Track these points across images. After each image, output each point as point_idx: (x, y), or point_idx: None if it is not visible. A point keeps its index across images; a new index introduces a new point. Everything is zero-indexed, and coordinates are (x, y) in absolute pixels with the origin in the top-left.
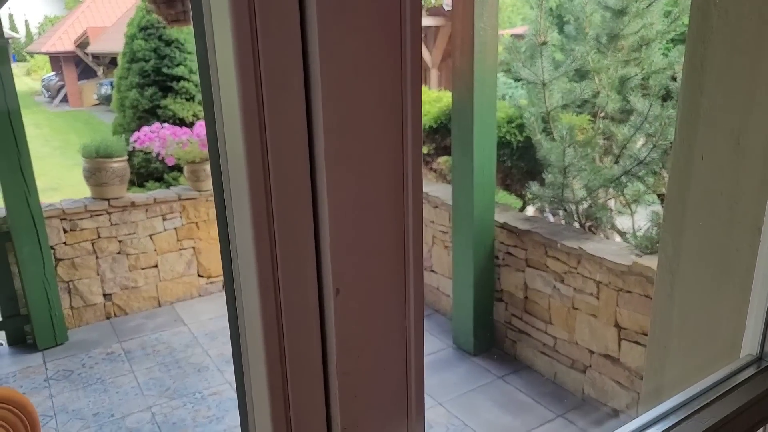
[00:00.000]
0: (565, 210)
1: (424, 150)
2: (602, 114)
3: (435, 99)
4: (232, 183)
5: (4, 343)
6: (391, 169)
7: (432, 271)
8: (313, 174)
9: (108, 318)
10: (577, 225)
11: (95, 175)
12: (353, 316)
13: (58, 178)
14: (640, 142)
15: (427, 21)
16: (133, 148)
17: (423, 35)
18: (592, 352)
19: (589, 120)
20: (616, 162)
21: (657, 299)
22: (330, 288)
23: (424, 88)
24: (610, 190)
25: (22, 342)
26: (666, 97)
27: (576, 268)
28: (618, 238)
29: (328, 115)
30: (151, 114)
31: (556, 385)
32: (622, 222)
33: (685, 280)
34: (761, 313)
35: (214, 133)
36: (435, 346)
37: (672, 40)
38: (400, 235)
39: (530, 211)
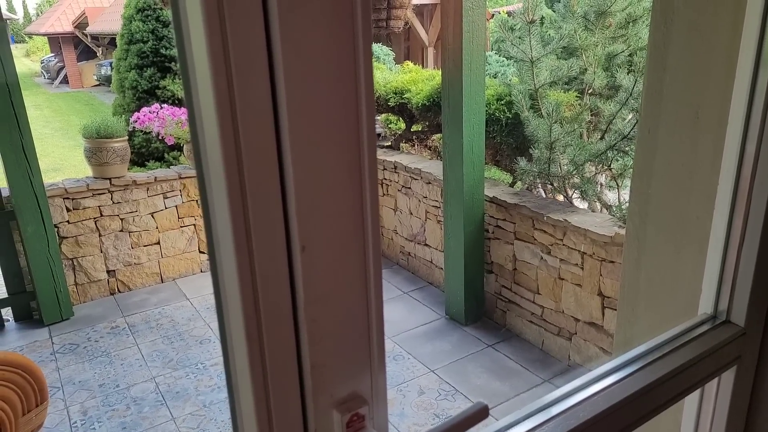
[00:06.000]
0: (551, 184)
1: (418, 128)
2: (589, 90)
3: (428, 77)
4: (209, 159)
5: (11, 319)
6: (347, 141)
7: (426, 244)
8: (279, 148)
9: (112, 294)
10: (562, 198)
11: (96, 155)
12: (318, 270)
13: (60, 158)
14: (629, 117)
15: None
16: (133, 128)
17: (420, 14)
18: (577, 320)
19: (577, 97)
20: (602, 137)
21: (626, 264)
22: (297, 245)
23: (416, 68)
24: (598, 164)
25: (28, 318)
26: None
27: (562, 240)
28: (605, 211)
29: (290, 95)
30: (150, 95)
31: (544, 352)
32: (610, 195)
33: (650, 246)
34: (715, 275)
35: (193, 116)
36: (428, 316)
37: None
38: (358, 198)
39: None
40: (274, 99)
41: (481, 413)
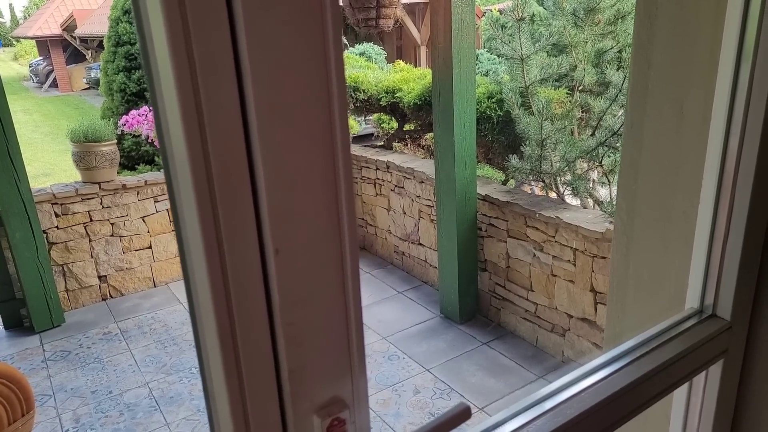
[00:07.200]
0: (543, 181)
1: (410, 127)
2: (579, 87)
3: (419, 76)
4: (176, 162)
5: (1, 327)
6: (320, 141)
7: (419, 244)
8: (249, 150)
9: (104, 299)
10: (554, 195)
11: (84, 159)
12: (293, 273)
13: (50, 163)
14: (619, 113)
15: None
16: (122, 131)
17: (411, 12)
18: (570, 316)
19: (567, 93)
20: (593, 134)
21: (614, 260)
22: (270, 248)
23: (407, 66)
24: (589, 161)
25: (18, 325)
26: None
27: (554, 237)
28: (596, 207)
29: (258, 96)
30: (139, 97)
31: (538, 348)
32: (601, 191)
33: (638, 242)
34: (701, 270)
35: (158, 119)
36: (423, 315)
37: None
38: (333, 199)
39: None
40: (242, 100)
41: (463, 414)
